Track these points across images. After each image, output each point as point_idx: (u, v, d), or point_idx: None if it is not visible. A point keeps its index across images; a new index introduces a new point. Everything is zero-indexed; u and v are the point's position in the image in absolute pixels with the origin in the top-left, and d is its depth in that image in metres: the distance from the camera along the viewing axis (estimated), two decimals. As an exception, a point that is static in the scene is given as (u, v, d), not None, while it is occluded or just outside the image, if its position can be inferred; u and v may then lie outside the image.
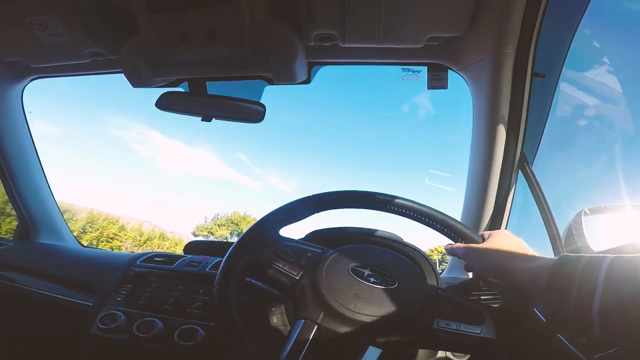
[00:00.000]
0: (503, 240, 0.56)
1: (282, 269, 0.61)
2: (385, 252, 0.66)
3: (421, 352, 0.73)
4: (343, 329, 0.55)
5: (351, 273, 0.59)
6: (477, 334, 0.55)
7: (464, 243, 0.61)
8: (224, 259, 0.62)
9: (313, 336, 0.54)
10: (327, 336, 0.55)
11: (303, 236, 0.94)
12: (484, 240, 0.60)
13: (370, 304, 0.56)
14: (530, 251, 0.55)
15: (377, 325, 0.55)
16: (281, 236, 0.67)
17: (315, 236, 0.89)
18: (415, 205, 0.65)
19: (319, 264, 0.62)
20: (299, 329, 0.55)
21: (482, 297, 0.80)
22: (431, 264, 0.85)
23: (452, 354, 0.77)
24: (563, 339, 0.60)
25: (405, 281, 0.60)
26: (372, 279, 0.59)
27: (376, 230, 0.90)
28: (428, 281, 0.68)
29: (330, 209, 0.68)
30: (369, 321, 0.55)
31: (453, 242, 0.64)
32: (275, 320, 0.70)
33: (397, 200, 0.65)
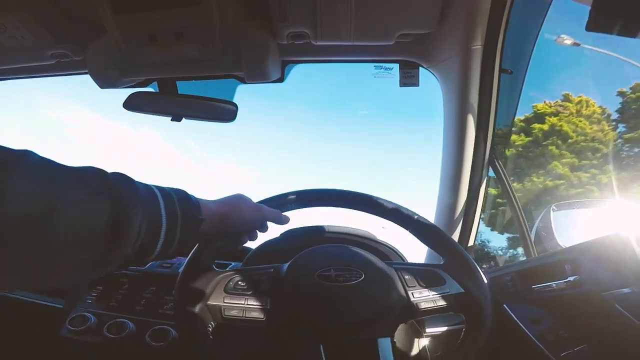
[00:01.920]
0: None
1: (247, 305, 0.55)
2: (338, 247, 0.65)
3: (399, 331, 0.72)
4: (345, 337, 0.55)
5: (319, 280, 0.57)
6: (448, 292, 0.57)
7: None
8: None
9: (325, 354, 0.54)
10: (336, 349, 0.54)
11: (278, 235, 0.94)
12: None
13: (353, 303, 0.55)
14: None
15: (370, 317, 0.55)
16: (218, 270, 0.60)
17: (291, 235, 0.89)
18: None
19: (282, 284, 0.58)
20: (307, 357, 0.54)
21: None
22: (402, 258, 0.86)
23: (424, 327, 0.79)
24: (509, 311, 0.62)
25: (368, 269, 0.59)
26: (341, 279, 0.57)
27: (349, 227, 0.90)
28: None
29: None
30: (361, 318, 0.54)
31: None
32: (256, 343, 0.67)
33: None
